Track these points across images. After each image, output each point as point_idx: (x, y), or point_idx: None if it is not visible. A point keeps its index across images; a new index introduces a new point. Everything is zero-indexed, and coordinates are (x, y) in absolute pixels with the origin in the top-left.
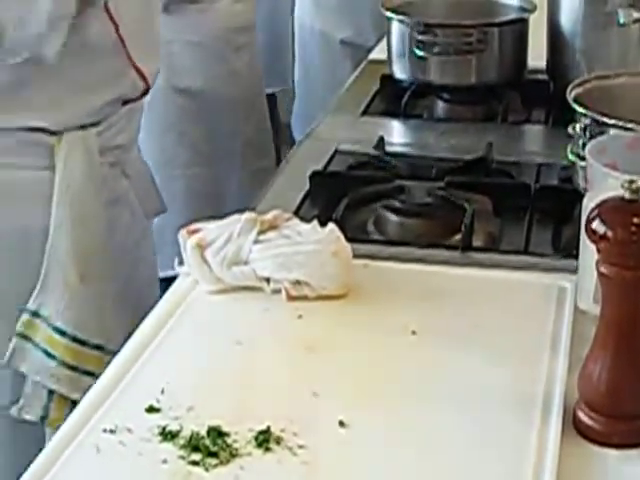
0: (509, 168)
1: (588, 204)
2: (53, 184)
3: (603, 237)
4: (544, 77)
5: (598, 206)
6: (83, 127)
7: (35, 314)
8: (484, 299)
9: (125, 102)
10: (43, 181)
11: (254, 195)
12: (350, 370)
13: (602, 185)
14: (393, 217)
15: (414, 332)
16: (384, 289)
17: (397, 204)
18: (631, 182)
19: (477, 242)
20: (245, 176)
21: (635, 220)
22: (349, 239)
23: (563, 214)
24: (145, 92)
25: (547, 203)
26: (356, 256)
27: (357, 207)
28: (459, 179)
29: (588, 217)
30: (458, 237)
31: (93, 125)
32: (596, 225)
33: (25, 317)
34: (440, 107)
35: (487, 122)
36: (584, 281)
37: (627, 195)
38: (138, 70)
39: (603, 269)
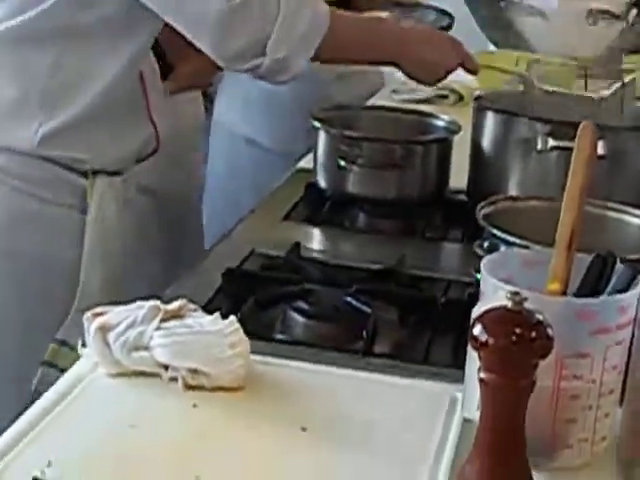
0: (419, 282)
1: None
2: (83, 223)
3: (484, 344)
4: (465, 198)
5: (481, 315)
6: (110, 174)
7: (63, 343)
8: (378, 403)
9: (137, 161)
10: (74, 219)
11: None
12: (237, 460)
13: (493, 297)
14: (299, 318)
15: (304, 429)
16: (282, 386)
17: (304, 306)
18: (515, 293)
19: (379, 349)
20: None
21: (517, 330)
22: (253, 335)
23: (467, 328)
24: (154, 151)
25: (452, 316)
26: (259, 352)
27: (265, 306)
28: (367, 287)
29: (471, 324)
30: (361, 343)
31: (117, 174)
32: (478, 332)
33: (53, 346)
34: (361, 219)
35: (406, 237)
36: (469, 390)
37: (510, 305)
38: (154, 125)
39: (483, 375)
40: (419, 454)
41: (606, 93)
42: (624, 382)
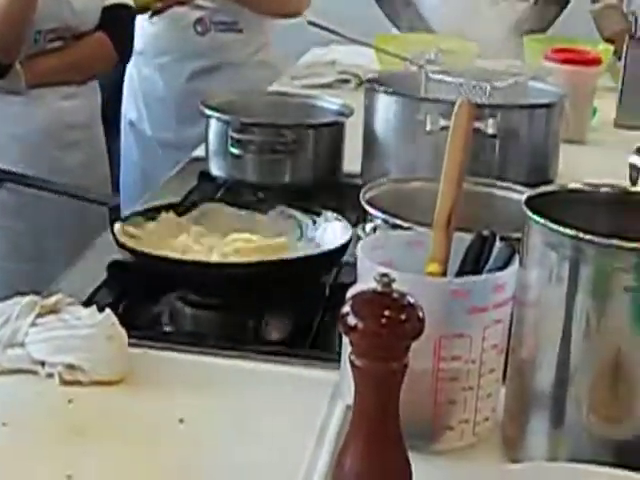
0: (310, 266)
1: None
2: None
3: (353, 328)
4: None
5: (351, 298)
6: None
7: None
8: (260, 393)
9: None
10: None
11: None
12: (111, 456)
13: (368, 280)
14: (185, 309)
15: (182, 420)
16: (161, 378)
17: (191, 296)
18: (384, 275)
19: (266, 337)
20: None
21: (386, 312)
22: (136, 327)
23: None
24: None
25: (340, 300)
26: (140, 345)
27: (152, 297)
28: (256, 274)
29: (341, 309)
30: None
31: None
32: (347, 316)
33: None
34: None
35: None
36: (346, 375)
37: (379, 287)
38: None
39: (354, 360)
40: (299, 442)
41: (500, 85)
42: (506, 361)
